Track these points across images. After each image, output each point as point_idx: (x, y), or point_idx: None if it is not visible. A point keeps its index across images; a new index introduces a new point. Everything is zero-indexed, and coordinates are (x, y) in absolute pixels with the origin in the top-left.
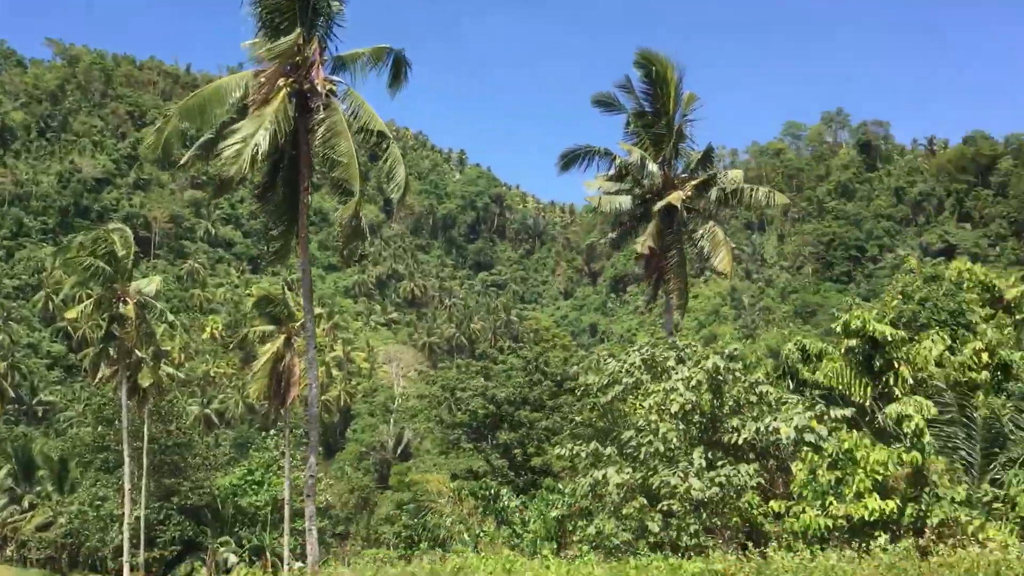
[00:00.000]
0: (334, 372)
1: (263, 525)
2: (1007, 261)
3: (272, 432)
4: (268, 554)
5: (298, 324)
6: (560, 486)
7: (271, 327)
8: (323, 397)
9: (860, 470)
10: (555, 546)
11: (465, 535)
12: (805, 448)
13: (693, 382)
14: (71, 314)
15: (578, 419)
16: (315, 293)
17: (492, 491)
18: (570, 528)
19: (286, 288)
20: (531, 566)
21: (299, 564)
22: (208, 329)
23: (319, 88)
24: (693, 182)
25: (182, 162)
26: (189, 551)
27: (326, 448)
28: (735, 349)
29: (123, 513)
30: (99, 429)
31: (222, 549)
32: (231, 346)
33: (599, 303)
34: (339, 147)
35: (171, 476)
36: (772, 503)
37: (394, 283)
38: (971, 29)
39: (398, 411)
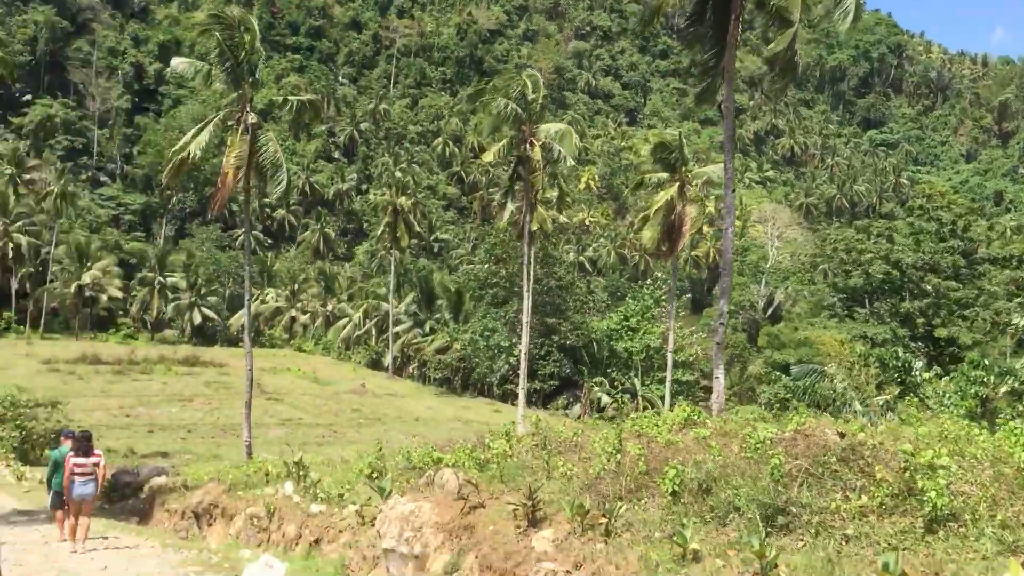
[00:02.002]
0: (704, 228)
1: (635, 370)
2: None
3: (648, 281)
4: (641, 398)
5: (692, 172)
6: (986, 361)
7: (664, 175)
8: (693, 253)
9: None
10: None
11: (856, 404)
12: None
13: None
14: (488, 156)
15: None
16: (687, 148)
17: (904, 362)
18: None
19: (681, 136)
20: None
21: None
22: (584, 179)
23: None
24: None
25: None
26: (565, 387)
27: (693, 304)
28: None
29: (519, 344)
30: (488, 267)
31: (595, 388)
32: (628, 191)
33: (1008, 168)
34: None
35: (552, 316)
36: None
37: (772, 139)
38: None
39: (770, 272)
